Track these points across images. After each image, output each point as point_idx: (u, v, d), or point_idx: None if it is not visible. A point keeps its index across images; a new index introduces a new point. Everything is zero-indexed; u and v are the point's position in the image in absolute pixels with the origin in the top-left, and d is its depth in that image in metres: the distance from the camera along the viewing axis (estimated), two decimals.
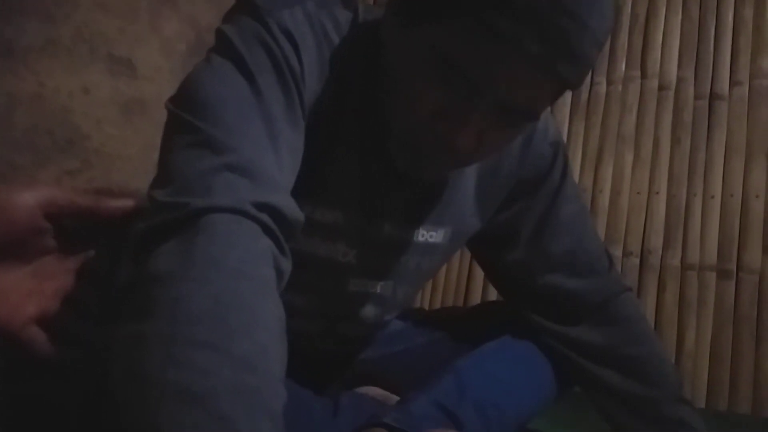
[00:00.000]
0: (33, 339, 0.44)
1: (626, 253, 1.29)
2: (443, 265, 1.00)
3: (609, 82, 1.39)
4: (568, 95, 1.42)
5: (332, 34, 0.63)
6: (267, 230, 0.47)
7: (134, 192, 0.49)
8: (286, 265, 0.49)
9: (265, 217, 0.47)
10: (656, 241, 1.28)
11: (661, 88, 1.34)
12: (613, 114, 1.37)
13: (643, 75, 1.35)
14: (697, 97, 1.31)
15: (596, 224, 1.33)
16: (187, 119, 0.51)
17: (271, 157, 0.52)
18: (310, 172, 0.61)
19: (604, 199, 1.33)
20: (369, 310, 0.80)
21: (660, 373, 0.80)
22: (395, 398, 0.89)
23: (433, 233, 0.75)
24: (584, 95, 1.41)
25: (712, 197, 1.25)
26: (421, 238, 0.75)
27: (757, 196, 1.21)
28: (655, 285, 1.26)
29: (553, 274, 0.81)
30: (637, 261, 1.28)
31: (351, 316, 0.78)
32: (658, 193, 1.30)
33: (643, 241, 1.29)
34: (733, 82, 1.28)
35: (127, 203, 0.48)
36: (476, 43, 0.54)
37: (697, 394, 1.18)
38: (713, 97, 1.29)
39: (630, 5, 1.40)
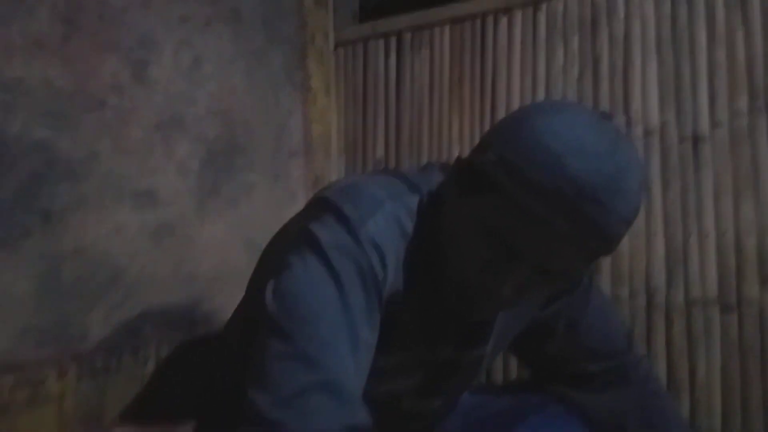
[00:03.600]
0: None
1: (632, 293, 1.38)
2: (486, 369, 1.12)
3: None
4: None
5: (405, 222, 0.74)
6: None
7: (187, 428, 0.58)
8: None
9: None
10: (659, 280, 1.36)
11: (647, 133, 1.41)
12: None
13: (628, 122, 1.42)
14: (680, 141, 1.37)
15: (601, 267, 1.41)
16: (284, 330, 0.62)
17: (352, 367, 0.63)
18: (380, 332, 0.71)
19: None
20: (425, 423, 0.91)
21: (671, 424, 0.93)
22: None
23: (483, 347, 0.86)
24: None
25: (707, 236, 1.33)
26: (471, 357, 0.86)
27: (749, 233, 1.29)
28: (663, 322, 1.34)
29: (584, 363, 0.94)
30: (644, 300, 1.36)
31: (409, 428, 0.90)
32: (655, 234, 1.37)
33: (647, 281, 1.37)
34: (714, 123, 1.35)
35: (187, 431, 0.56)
36: (513, 218, 0.65)
37: (713, 422, 1.27)
38: (696, 139, 1.36)
39: (606, 55, 1.46)
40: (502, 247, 0.66)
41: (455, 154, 1.61)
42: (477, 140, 1.58)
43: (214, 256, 1.30)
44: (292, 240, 0.70)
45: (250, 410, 0.59)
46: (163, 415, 1.08)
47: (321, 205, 0.72)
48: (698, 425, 1.26)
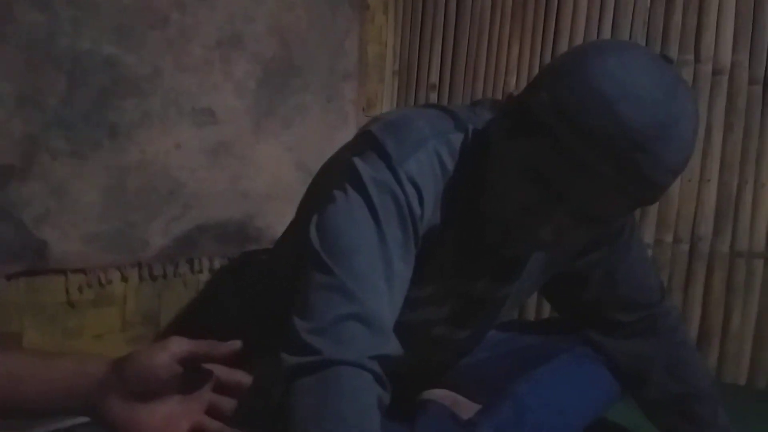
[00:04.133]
0: None
1: (676, 240, 1.37)
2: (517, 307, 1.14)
3: None
4: None
5: (447, 160, 0.75)
6: (378, 379, 0.63)
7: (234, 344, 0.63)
8: (387, 397, 0.65)
9: (377, 367, 0.64)
10: (706, 229, 1.35)
11: (715, 72, 1.35)
12: None
13: (697, 59, 1.36)
14: (751, 83, 1.32)
15: (647, 211, 1.40)
16: (326, 263, 0.67)
17: (387, 301, 0.68)
18: (417, 261, 0.75)
19: None
20: (452, 352, 0.96)
21: (695, 374, 0.95)
22: (462, 399, 1.06)
23: (512, 286, 0.89)
24: None
25: (763, 185, 1.30)
26: (500, 293, 0.89)
27: None
28: (703, 270, 1.35)
29: (616, 312, 0.95)
30: (687, 248, 1.36)
31: (435, 357, 0.95)
32: (709, 180, 1.35)
33: (693, 229, 1.36)
34: None
35: (235, 346, 0.62)
36: (558, 161, 0.66)
37: (739, 372, 1.30)
38: (767, 82, 1.30)
39: None
40: (546, 189, 0.67)
41: (512, 83, 1.58)
42: (536, 70, 1.55)
43: (267, 174, 1.35)
44: (338, 173, 0.73)
45: (291, 334, 0.64)
46: (213, 327, 1.17)
47: (367, 139, 0.74)
48: (723, 377, 1.29)
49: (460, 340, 0.94)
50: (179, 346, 0.59)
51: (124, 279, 1.10)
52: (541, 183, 0.67)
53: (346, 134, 1.57)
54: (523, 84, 1.55)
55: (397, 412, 0.92)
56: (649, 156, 0.62)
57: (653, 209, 1.41)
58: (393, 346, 0.67)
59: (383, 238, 0.68)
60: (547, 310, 1.46)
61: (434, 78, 1.69)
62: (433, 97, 1.69)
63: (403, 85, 1.73)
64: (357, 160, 0.71)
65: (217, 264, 1.25)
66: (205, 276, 1.23)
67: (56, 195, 0.99)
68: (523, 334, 1.06)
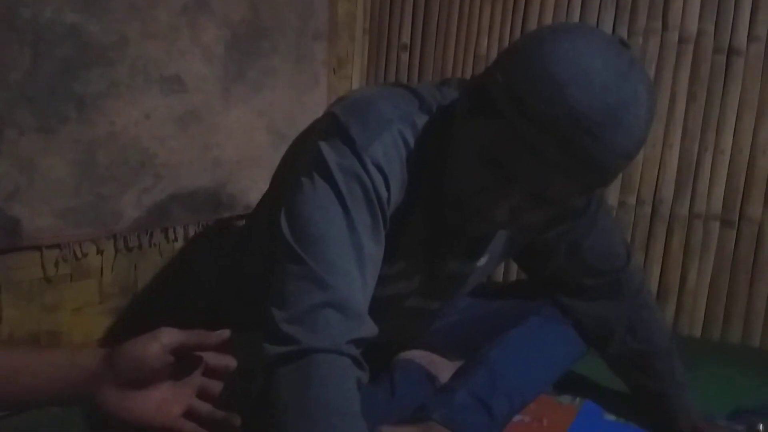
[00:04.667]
0: (182, 427, 0.64)
1: (639, 202, 1.43)
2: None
3: (630, 34, 1.42)
4: None
5: (411, 141, 0.76)
6: (355, 361, 0.67)
7: (222, 333, 0.65)
8: (365, 376, 0.68)
9: (354, 351, 0.67)
10: (667, 192, 1.40)
11: (681, 40, 1.37)
12: None
13: (664, 27, 1.38)
14: (715, 52, 1.35)
15: None
16: (298, 252, 0.69)
17: (359, 285, 0.70)
18: (389, 246, 0.77)
19: None
20: (425, 320, 1.00)
21: (655, 334, 1.02)
22: (438, 359, 1.12)
23: (483, 259, 0.93)
24: None
25: (722, 152, 1.35)
26: (468, 268, 0.92)
27: (764, 152, 1.31)
28: (664, 231, 1.41)
29: (582, 278, 1.00)
30: (649, 210, 1.42)
31: (409, 325, 0.99)
32: (671, 146, 1.39)
33: (655, 192, 1.41)
34: (752, 37, 1.31)
35: (223, 335, 0.65)
36: (509, 143, 0.68)
37: (694, 327, 1.38)
38: (731, 51, 1.33)
39: None
40: (499, 171, 0.68)
41: (484, 44, 1.58)
42: (507, 32, 1.55)
43: (238, 141, 1.34)
44: (305, 159, 0.74)
45: (270, 323, 0.67)
46: (190, 296, 1.19)
47: (331, 123, 0.74)
48: (680, 329, 1.37)
49: (432, 310, 0.98)
50: (170, 337, 0.61)
51: (100, 252, 1.10)
52: (494, 165, 0.69)
53: (317, 96, 1.56)
54: (495, 46, 1.56)
55: (376, 374, 0.96)
56: (597, 140, 0.63)
57: None
58: (367, 328, 0.69)
59: (352, 224, 0.70)
60: (513, 273, 1.52)
61: (405, 38, 1.68)
62: (404, 58, 1.68)
63: (374, 44, 1.71)
64: (323, 146, 0.72)
65: (191, 232, 1.26)
66: (180, 244, 1.24)
67: (26, 171, 0.98)
68: (493, 298, 1.11)
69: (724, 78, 1.34)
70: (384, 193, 0.73)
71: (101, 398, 0.59)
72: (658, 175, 1.41)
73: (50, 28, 0.99)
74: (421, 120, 0.77)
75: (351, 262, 0.69)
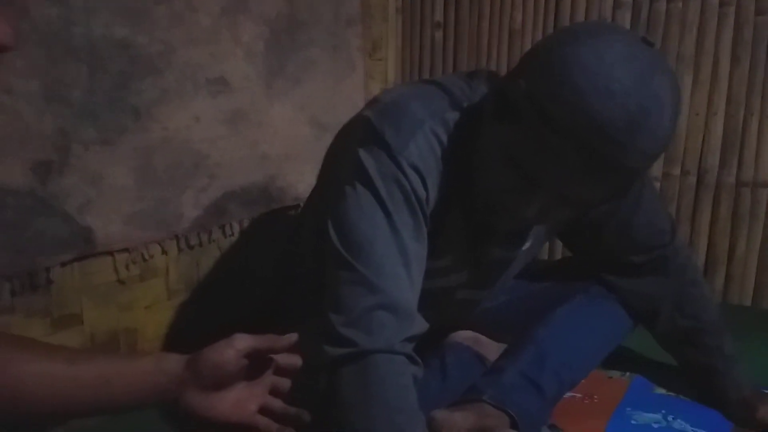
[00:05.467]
0: (259, 423, 0.70)
1: (684, 172, 1.42)
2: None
3: None
4: (627, 14, 1.44)
5: (444, 139, 0.80)
6: (410, 358, 0.71)
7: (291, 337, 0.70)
8: (420, 371, 0.73)
9: (407, 348, 0.72)
10: (713, 160, 1.39)
11: (722, 3, 1.34)
12: (672, 34, 1.39)
13: None
14: (758, 13, 1.31)
15: None
16: (347, 259, 0.74)
17: (407, 285, 0.75)
18: (430, 237, 0.81)
19: None
20: (473, 307, 1.04)
21: (703, 310, 1.03)
22: (485, 339, 1.16)
23: (527, 244, 0.96)
24: (644, 14, 1.42)
25: None
26: (513, 254, 0.96)
27: None
28: (710, 201, 1.40)
29: (629, 255, 1.01)
30: (694, 180, 1.41)
31: (458, 313, 1.03)
32: (716, 113, 1.37)
33: (700, 161, 1.40)
34: None
35: (292, 338, 0.70)
36: (531, 149, 0.70)
37: (744, 296, 1.38)
38: None
39: None
40: (524, 175, 0.71)
41: (519, 19, 1.57)
42: (542, 7, 1.53)
43: (283, 135, 1.38)
44: (346, 166, 0.78)
45: (328, 327, 0.72)
46: (247, 288, 1.25)
47: (367, 129, 0.78)
48: (730, 299, 1.37)
49: (480, 299, 1.02)
50: (244, 342, 0.66)
51: (164, 252, 1.17)
52: (519, 169, 0.71)
53: (354, 82, 1.59)
54: (529, 20, 1.55)
55: (426, 357, 1.01)
56: (620, 147, 0.65)
57: None
58: (418, 325, 0.74)
59: (395, 227, 0.74)
60: (558, 251, 1.53)
61: (439, 16, 1.68)
62: (438, 36, 1.68)
63: (407, 25, 1.72)
64: (361, 153, 0.76)
65: (246, 226, 1.32)
66: (236, 239, 1.30)
67: (94, 183, 1.04)
68: (539, 278, 1.13)
69: None
70: (422, 193, 0.77)
71: (185, 400, 0.65)
72: (702, 144, 1.40)
73: (102, 44, 1.04)
74: (453, 116, 0.80)
75: (398, 263, 0.74)
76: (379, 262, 0.73)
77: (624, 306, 1.05)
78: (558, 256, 1.51)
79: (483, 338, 1.18)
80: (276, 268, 1.19)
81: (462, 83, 0.83)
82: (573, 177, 0.69)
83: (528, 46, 1.54)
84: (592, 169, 0.68)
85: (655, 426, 0.98)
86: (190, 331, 1.21)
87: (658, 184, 1.41)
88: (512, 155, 0.72)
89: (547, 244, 1.52)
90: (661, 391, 1.07)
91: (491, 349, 1.12)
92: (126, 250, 1.11)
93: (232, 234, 1.29)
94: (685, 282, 1.03)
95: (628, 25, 1.45)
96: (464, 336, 1.19)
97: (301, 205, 1.33)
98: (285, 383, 0.71)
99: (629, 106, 0.64)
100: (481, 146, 0.77)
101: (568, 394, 1.02)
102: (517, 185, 0.73)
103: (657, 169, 1.42)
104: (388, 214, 0.74)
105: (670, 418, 0.99)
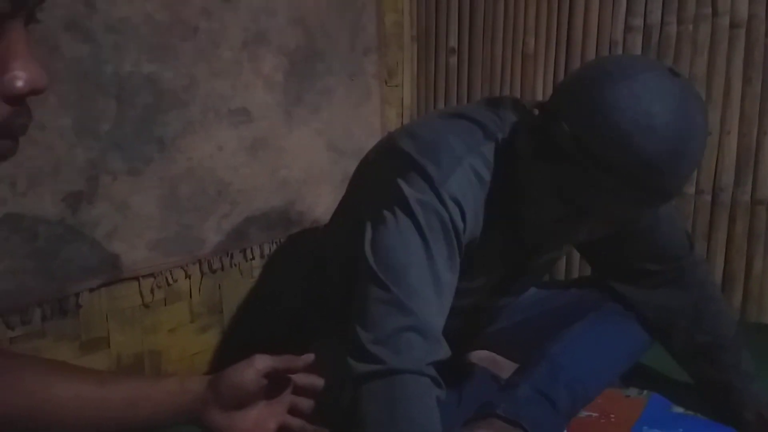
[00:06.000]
0: None
1: (698, 191, 1.43)
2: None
3: (680, 22, 1.41)
4: (638, 38, 1.46)
5: (482, 172, 0.84)
6: (435, 381, 0.74)
7: (308, 357, 0.73)
8: (443, 394, 0.76)
9: (433, 372, 0.74)
10: (727, 179, 1.40)
11: (732, 25, 1.36)
12: (684, 55, 1.41)
13: (714, 12, 1.37)
14: None
15: None
16: (382, 279, 0.77)
17: (437, 311, 0.78)
18: (466, 262, 0.84)
19: None
20: (493, 315, 1.06)
21: (721, 326, 1.04)
22: (502, 360, 1.17)
23: (541, 258, 0.99)
24: (654, 37, 1.44)
25: None
26: (540, 262, 0.99)
27: None
28: (725, 219, 1.41)
29: (644, 264, 1.03)
30: (709, 198, 1.42)
31: (477, 321, 1.05)
32: (729, 132, 1.38)
33: (714, 180, 1.41)
34: None
35: (309, 359, 0.72)
36: (580, 185, 0.76)
37: (762, 313, 1.38)
38: None
39: None
40: (574, 207, 0.76)
41: (531, 44, 1.60)
42: (554, 30, 1.56)
43: (302, 161, 1.42)
44: (385, 194, 0.81)
45: (356, 343, 0.75)
46: (268, 309, 1.28)
47: (407, 162, 0.81)
48: (747, 316, 1.37)
49: (501, 306, 1.05)
50: (263, 363, 0.69)
51: (188, 276, 1.21)
52: (569, 203, 0.77)
53: (371, 108, 1.63)
54: (542, 44, 1.58)
55: (444, 376, 1.03)
56: (665, 176, 0.71)
57: None
58: (444, 351, 0.77)
59: (431, 255, 0.77)
60: (575, 266, 1.54)
61: (453, 42, 1.72)
62: (453, 62, 1.72)
63: (422, 51, 1.76)
64: (402, 183, 0.79)
65: (267, 250, 1.36)
66: (257, 262, 1.34)
67: (121, 211, 1.09)
68: (555, 296, 1.15)
69: None
70: (460, 225, 0.80)
71: (208, 419, 0.68)
72: (716, 163, 1.41)
73: (130, 79, 1.09)
74: (488, 148, 0.84)
75: (430, 289, 0.77)
76: (413, 286, 0.76)
77: (640, 322, 1.06)
78: (575, 274, 1.52)
79: (499, 359, 1.19)
80: (298, 289, 1.23)
81: (491, 114, 0.87)
82: (622, 206, 0.75)
83: (540, 71, 1.58)
84: (640, 198, 0.74)
85: None
86: (213, 352, 1.25)
87: (673, 203, 1.41)
88: (560, 190, 0.77)
89: (564, 264, 1.53)
90: (679, 410, 1.08)
91: (507, 368, 1.13)
92: (151, 275, 1.15)
93: (253, 258, 1.33)
94: (704, 297, 1.04)
95: (639, 49, 1.47)
96: (481, 356, 1.21)
97: (320, 227, 1.37)
98: (305, 403, 0.73)
99: (672, 139, 0.69)
100: (524, 179, 0.82)
101: (585, 414, 1.03)
102: (568, 215, 0.78)
103: None
104: (425, 241, 0.78)
105: None
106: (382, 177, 0.85)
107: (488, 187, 0.83)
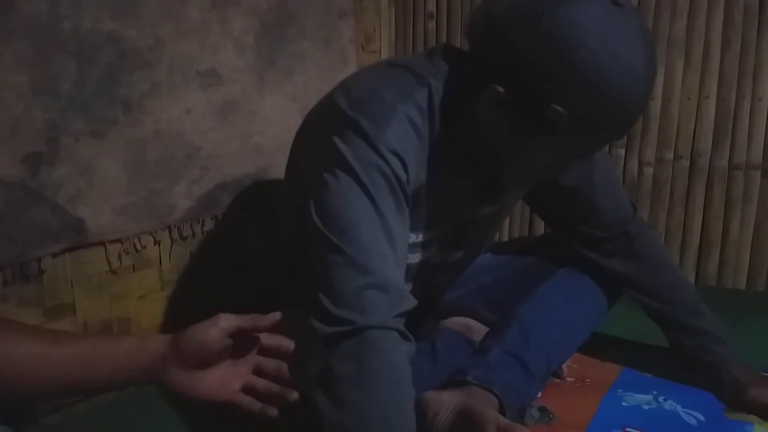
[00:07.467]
0: (242, 401, 0.71)
1: (677, 157, 1.42)
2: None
3: None
4: None
5: (418, 120, 0.82)
6: (402, 334, 0.73)
7: (274, 316, 0.71)
8: (412, 347, 0.74)
9: (399, 325, 0.73)
10: (705, 144, 1.39)
11: None
12: (663, 18, 1.39)
13: None
14: None
15: (649, 130, 1.44)
16: (333, 241, 0.75)
17: (394, 264, 0.76)
18: (414, 215, 0.83)
19: (656, 106, 1.42)
20: (450, 272, 1.05)
21: (677, 295, 1.03)
22: (476, 324, 1.16)
23: (497, 206, 0.98)
24: None
25: (760, 99, 1.32)
26: (487, 213, 0.98)
27: None
28: (703, 185, 1.40)
29: (593, 228, 1.03)
30: (687, 163, 1.41)
31: (437, 279, 1.04)
32: (707, 97, 1.37)
33: (692, 145, 1.40)
34: None
35: (275, 317, 0.71)
36: (566, 150, 0.80)
37: (739, 277, 1.38)
38: None
39: None
40: (552, 165, 0.80)
41: None
42: None
43: (276, 127, 1.39)
44: (323, 155, 0.79)
45: (320, 309, 0.73)
46: (241, 270, 1.26)
47: (342, 119, 0.79)
48: (724, 282, 1.37)
49: (456, 261, 1.03)
50: (228, 321, 0.67)
51: (157, 243, 1.18)
52: (549, 165, 0.83)
53: (347, 74, 1.58)
54: None
55: (418, 342, 1.02)
56: (640, 109, 0.77)
57: (654, 129, 1.44)
58: (408, 301, 0.75)
59: (379, 210, 0.75)
60: (539, 227, 1.53)
61: (431, 6, 1.69)
62: (431, 26, 1.69)
63: (400, 16, 1.73)
64: (338, 142, 0.77)
65: (239, 217, 1.33)
66: (229, 229, 1.31)
67: (84, 175, 1.05)
68: (521, 256, 1.15)
69: (758, 23, 1.30)
70: (403, 176, 0.78)
71: (169, 379, 0.66)
72: (695, 128, 1.40)
73: (91, 37, 1.05)
74: (422, 95, 0.82)
75: (383, 244, 0.75)
76: (367, 244, 0.74)
77: (599, 284, 1.06)
78: (540, 232, 1.51)
79: (474, 324, 1.18)
80: (270, 257, 1.21)
81: (423, 61, 0.86)
82: (600, 147, 0.85)
83: None
84: (617, 136, 0.85)
85: (646, 407, 0.98)
86: (184, 320, 1.21)
87: (651, 169, 1.41)
88: (545, 158, 0.80)
89: (528, 222, 1.53)
90: (654, 374, 1.08)
91: (480, 333, 1.12)
92: (118, 240, 1.12)
93: (225, 224, 1.30)
94: (658, 267, 1.04)
95: None
96: (456, 322, 1.20)
97: None
98: (270, 363, 0.72)
99: (644, 83, 0.73)
100: (503, 156, 0.82)
101: (560, 380, 1.02)
102: (554, 166, 0.84)
103: (650, 153, 1.42)
104: (371, 198, 0.76)
105: (661, 399, 1.00)
106: (321, 136, 0.82)
107: (425, 133, 0.81)
